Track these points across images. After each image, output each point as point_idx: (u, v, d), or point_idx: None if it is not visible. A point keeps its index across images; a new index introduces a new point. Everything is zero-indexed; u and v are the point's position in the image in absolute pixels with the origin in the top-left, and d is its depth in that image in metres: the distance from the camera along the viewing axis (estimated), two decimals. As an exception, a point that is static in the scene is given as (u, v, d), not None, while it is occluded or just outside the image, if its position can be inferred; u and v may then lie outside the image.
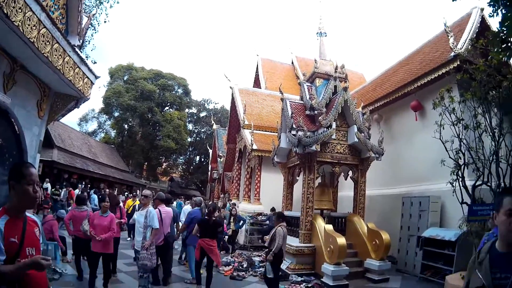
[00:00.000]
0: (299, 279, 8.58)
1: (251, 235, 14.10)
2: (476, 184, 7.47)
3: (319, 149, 9.58)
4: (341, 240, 8.33)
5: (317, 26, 13.63)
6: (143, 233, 6.52)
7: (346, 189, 13.12)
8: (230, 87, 20.51)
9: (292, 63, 29.34)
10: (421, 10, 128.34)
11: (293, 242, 9.84)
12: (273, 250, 6.64)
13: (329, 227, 9.21)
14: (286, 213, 11.48)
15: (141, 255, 6.38)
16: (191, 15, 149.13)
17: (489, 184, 7.31)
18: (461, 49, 9.69)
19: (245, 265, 9.98)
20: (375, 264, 8.87)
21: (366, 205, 10.62)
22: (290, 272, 9.04)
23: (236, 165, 21.01)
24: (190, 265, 8.19)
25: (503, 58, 6.03)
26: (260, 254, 11.58)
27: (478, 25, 10.51)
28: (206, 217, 7.64)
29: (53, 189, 17.81)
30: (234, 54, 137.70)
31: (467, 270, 2.20)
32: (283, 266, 9.45)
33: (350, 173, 10.87)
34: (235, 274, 9.07)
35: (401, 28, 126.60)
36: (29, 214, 2.36)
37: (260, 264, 10.16)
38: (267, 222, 13.80)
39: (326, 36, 13.50)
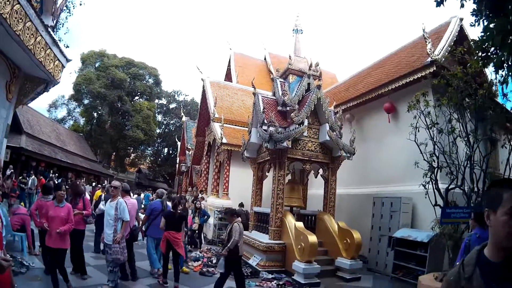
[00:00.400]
0: (270, 276, 8.44)
1: (219, 230, 13.85)
2: (450, 187, 7.58)
3: (290, 146, 9.50)
4: (313, 238, 8.28)
5: (293, 23, 13.51)
6: (114, 226, 6.21)
7: (315, 187, 13.14)
8: (202, 79, 20.10)
9: (265, 59, 29.24)
10: (396, 15, 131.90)
11: (263, 238, 9.73)
12: (228, 245, 6.45)
13: (300, 224, 9.14)
14: (256, 209, 11.39)
15: (113, 249, 6.10)
16: (166, 5, 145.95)
17: (462, 188, 7.43)
18: (438, 55, 9.86)
19: (214, 261, 9.72)
20: (347, 263, 8.87)
21: (336, 203, 10.62)
22: (260, 269, 8.90)
23: (204, 158, 20.64)
24: (150, 256, 7.96)
25: (481, 67, 6.15)
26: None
27: (456, 34, 10.76)
28: (171, 210, 7.51)
29: (20, 177, 16.80)
30: (206, 46, 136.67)
31: (447, 286, 1.69)
32: (253, 262, 9.31)
33: (321, 171, 10.85)
34: (204, 270, 8.82)
35: (376, 32, 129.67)
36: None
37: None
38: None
39: (302, 33, 13.40)
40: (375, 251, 10.24)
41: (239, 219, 6.88)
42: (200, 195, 15.70)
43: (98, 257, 8.75)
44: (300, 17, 13.59)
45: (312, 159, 10.21)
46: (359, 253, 9.27)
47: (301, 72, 11.44)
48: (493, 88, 8.05)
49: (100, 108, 41.39)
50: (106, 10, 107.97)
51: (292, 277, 8.37)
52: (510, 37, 3.21)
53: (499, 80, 4.11)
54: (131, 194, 10.14)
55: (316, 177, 11.52)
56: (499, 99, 8.37)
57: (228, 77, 27.17)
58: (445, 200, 7.57)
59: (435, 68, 9.57)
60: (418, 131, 8.21)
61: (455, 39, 10.58)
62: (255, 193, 11.75)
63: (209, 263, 9.54)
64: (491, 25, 3.51)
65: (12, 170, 16.46)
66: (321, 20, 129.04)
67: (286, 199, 10.26)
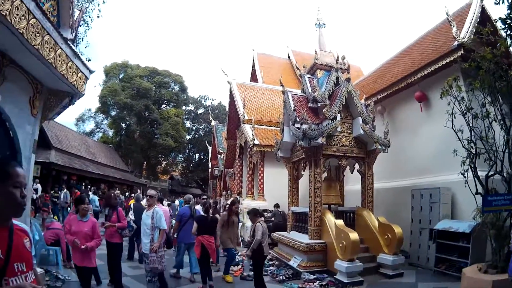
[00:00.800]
0: (312, 277, 8.44)
1: (256, 233, 13.92)
2: (489, 174, 7.34)
3: (324, 142, 9.40)
4: (354, 235, 8.22)
5: (315, 17, 13.42)
6: (151, 234, 6.30)
7: (351, 182, 13.01)
8: (228, 82, 20.31)
9: (289, 57, 29.20)
10: (413, 5, 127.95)
11: (302, 238, 9.73)
12: (251, 246, 6.51)
13: (340, 222, 9.08)
14: (293, 209, 11.39)
15: (150, 258, 6.19)
16: (185, 10, 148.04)
17: (502, 174, 7.18)
18: (464, 38, 9.55)
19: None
20: (389, 259, 8.73)
21: (374, 198, 10.46)
22: (301, 270, 8.90)
23: (237, 161, 20.86)
24: (179, 260, 8.30)
25: (511, 45, 5.89)
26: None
27: (479, 15, 10.37)
28: (203, 214, 7.74)
29: (52, 192, 17.57)
30: (228, 49, 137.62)
31: None
32: (293, 264, 9.36)
33: (357, 166, 10.74)
34: (245, 274, 8.93)
35: (396, 23, 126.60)
36: (16, 222, 1.96)
37: (270, 263, 10.03)
38: (272, 219, 13.67)
39: (325, 27, 13.29)
40: (416, 245, 10.03)
41: (262, 218, 7.01)
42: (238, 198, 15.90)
43: (137, 266, 8.98)
44: (321, 11, 13.51)
45: (347, 154, 10.11)
46: (400, 248, 9.13)
47: (329, 67, 11.32)
48: None
49: (127, 118, 42.48)
50: (125, 21, 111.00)
51: (335, 276, 8.33)
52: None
53: None
54: (164, 201, 10.41)
55: (352, 172, 11.41)
56: None
57: (253, 78, 27.36)
58: (486, 188, 7.32)
59: (463, 52, 9.28)
60: (455, 117, 7.95)
61: (478, 20, 10.19)
62: (292, 193, 11.78)
63: (250, 267, 9.67)
64: None
65: (39, 185, 17.04)
66: (340, 13, 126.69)
67: (324, 197, 10.18)
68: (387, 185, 12.27)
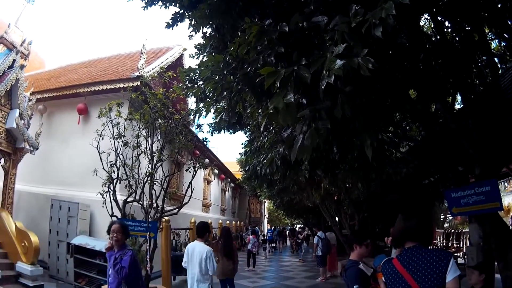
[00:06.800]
0: None
1: None
2: (128, 200, 7.83)
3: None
4: None
5: None
6: None
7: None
8: None
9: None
10: (137, 23, 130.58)
11: None
12: None
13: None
14: None
15: None
16: None
17: (140, 202, 7.82)
18: (147, 72, 10.31)
19: None
20: (27, 269, 8.10)
21: (15, 201, 9.59)
22: None
23: None
24: None
25: (183, 94, 6.77)
26: None
27: (174, 60, 11.63)
28: None
29: None
30: None
31: None
32: None
33: (2, 161, 9.55)
34: None
35: (103, 31, 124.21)
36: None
37: None
38: None
39: (33, 4, 11.41)
40: (55, 257, 9.65)
41: None
42: None
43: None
44: None
45: None
46: (38, 258, 8.50)
47: (12, 46, 9.71)
48: (191, 116, 8.84)
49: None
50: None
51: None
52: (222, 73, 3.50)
53: (194, 111, 4.42)
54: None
55: None
56: (193, 128, 9.59)
57: None
58: (123, 212, 7.75)
59: (139, 83, 9.94)
60: (103, 139, 8.05)
61: (171, 64, 11.41)
62: None
63: None
64: (205, 59, 3.76)
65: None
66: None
67: None
68: (30, 189, 11.35)
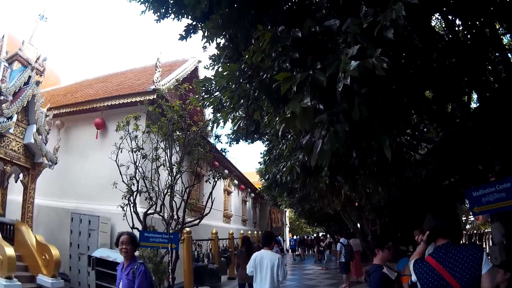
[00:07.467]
0: None
1: None
2: (148, 212, 7.93)
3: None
4: (10, 250, 7.35)
5: (43, 8, 11.73)
6: None
7: (15, 193, 11.34)
8: None
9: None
10: (144, 38, 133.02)
11: None
12: None
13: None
14: None
15: None
16: None
17: (161, 214, 7.91)
18: (163, 85, 10.45)
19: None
20: (48, 281, 8.16)
21: (35, 215, 9.72)
22: None
23: None
24: None
25: (200, 106, 6.88)
26: None
27: (189, 72, 11.78)
28: None
29: None
30: None
31: None
32: None
33: (21, 175, 9.74)
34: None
35: (117, 46, 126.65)
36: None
37: None
38: None
39: (46, 21, 11.77)
40: (76, 270, 9.74)
41: None
42: None
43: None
44: (54, 4, 11.97)
45: (14, 161, 9.09)
46: (59, 270, 8.60)
47: (27, 62, 10.00)
48: (208, 127, 8.96)
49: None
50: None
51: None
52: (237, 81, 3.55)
53: (211, 121, 4.47)
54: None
55: (16, 181, 10.22)
56: (212, 139, 9.69)
57: None
58: (144, 224, 7.85)
59: (155, 96, 10.05)
60: (121, 152, 8.19)
61: (186, 76, 11.54)
62: None
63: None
64: (220, 69, 3.81)
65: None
66: (73, 15, 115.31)
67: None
68: (49, 203, 11.49)
